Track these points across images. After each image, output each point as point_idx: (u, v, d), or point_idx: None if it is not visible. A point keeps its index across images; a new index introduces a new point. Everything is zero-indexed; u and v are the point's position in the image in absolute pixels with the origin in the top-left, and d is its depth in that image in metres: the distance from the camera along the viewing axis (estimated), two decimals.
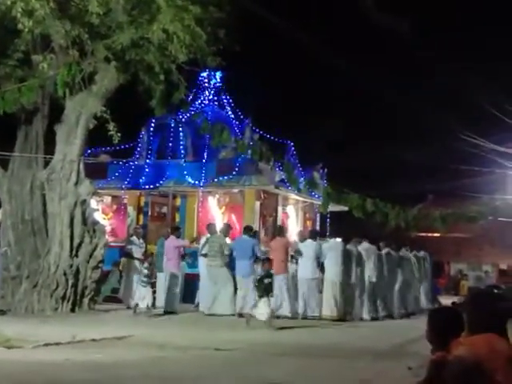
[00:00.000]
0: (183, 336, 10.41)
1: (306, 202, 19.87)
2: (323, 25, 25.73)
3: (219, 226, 15.86)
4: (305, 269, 14.22)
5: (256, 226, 16.00)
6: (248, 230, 14.52)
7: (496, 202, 20.29)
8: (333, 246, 14.91)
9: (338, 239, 16.04)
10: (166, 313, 13.66)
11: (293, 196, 18.91)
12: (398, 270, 16.39)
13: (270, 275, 12.04)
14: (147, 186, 17.97)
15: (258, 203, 17.23)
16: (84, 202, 13.95)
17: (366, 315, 14.79)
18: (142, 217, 18.61)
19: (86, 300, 13.57)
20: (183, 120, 18.07)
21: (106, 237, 14.88)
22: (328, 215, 20.13)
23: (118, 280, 16.19)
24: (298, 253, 14.35)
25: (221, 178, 17.20)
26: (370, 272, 14.98)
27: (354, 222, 19.38)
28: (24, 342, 8.60)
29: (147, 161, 18.34)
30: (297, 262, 14.51)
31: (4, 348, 8.21)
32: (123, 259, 16.23)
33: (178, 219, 18.29)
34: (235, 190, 17.75)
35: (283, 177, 16.98)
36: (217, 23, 13.18)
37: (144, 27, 12.45)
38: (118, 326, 11.31)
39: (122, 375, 6.95)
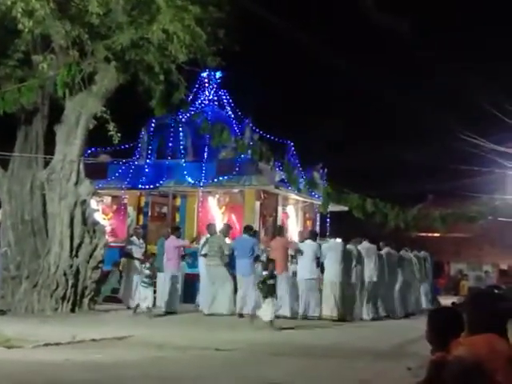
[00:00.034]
0: (183, 336, 10.41)
1: (306, 202, 19.88)
2: (323, 25, 25.74)
3: (219, 226, 15.87)
4: (304, 269, 14.22)
5: (256, 226, 16.00)
6: (248, 229, 14.53)
7: (496, 201, 20.30)
8: (332, 246, 14.91)
9: (338, 239, 16.04)
10: (167, 313, 13.66)
11: (293, 196, 18.92)
12: (398, 270, 16.38)
13: (273, 276, 12.02)
14: (147, 186, 17.98)
15: (258, 203, 17.24)
16: (84, 202, 13.95)
17: (366, 315, 14.79)
18: (142, 217, 18.61)
19: (86, 300, 13.57)
20: (183, 120, 18.07)
21: (106, 237, 14.89)
22: (328, 215, 20.14)
23: (118, 280, 16.19)
24: (299, 252, 14.35)
25: (221, 178, 17.21)
26: (370, 272, 14.97)
27: (354, 222, 19.37)
28: (24, 341, 8.60)
29: (147, 161, 18.35)
30: (297, 262, 14.50)
31: (4, 348, 8.21)
32: (123, 259, 16.23)
33: (178, 219, 18.29)
34: (235, 190, 17.75)
35: (283, 177, 16.99)
36: (217, 23, 13.19)
37: (144, 27, 12.45)
38: (117, 326, 11.31)
39: (121, 375, 6.95)
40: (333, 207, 18.17)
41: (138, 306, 13.65)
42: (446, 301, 15.72)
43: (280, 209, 18.45)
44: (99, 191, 16.21)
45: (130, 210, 18.43)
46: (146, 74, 13.33)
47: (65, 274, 13.24)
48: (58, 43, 12.82)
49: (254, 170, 16.91)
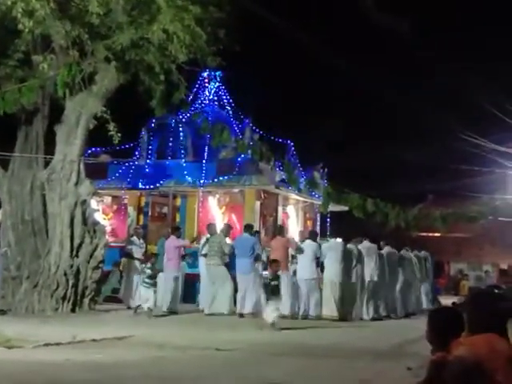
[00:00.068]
0: (183, 336, 10.41)
1: (306, 201, 19.88)
2: (323, 25, 25.74)
3: (219, 226, 15.87)
4: (304, 269, 14.22)
5: (256, 226, 16.00)
6: (249, 228, 14.55)
7: (496, 201, 20.30)
8: (333, 246, 14.92)
9: (339, 239, 16.04)
10: (168, 313, 13.64)
11: (293, 196, 18.92)
12: (399, 270, 16.38)
13: (277, 277, 12.02)
14: (147, 186, 17.98)
15: (258, 203, 17.24)
16: (84, 202, 13.94)
17: (366, 315, 14.79)
18: (142, 217, 18.62)
19: (86, 300, 13.56)
20: (183, 120, 18.09)
21: (107, 237, 14.89)
22: (328, 215, 20.14)
23: (119, 280, 16.20)
24: (300, 250, 14.35)
25: (221, 178, 17.21)
26: (371, 271, 14.95)
27: (354, 222, 19.39)
28: (24, 342, 8.60)
29: (147, 161, 18.36)
30: (297, 262, 14.50)
31: (4, 348, 8.21)
32: (123, 259, 16.24)
33: (178, 219, 18.29)
34: (235, 190, 17.76)
35: (283, 177, 17.00)
36: (217, 23, 13.19)
37: (144, 27, 12.45)
38: (118, 326, 11.31)
39: (122, 375, 6.95)
40: (333, 207, 18.17)
41: (139, 306, 13.64)
42: (447, 301, 15.74)
43: (280, 209, 18.45)
44: (99, 191, 16.20)
45: (131, 210, 18.44)
46: (147, 74, 13.33)
47: (65, 274, 13.24)
48: (58, 43, 12.81)
49: (255, 170, 16.92)
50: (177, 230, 15.00)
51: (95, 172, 15.83)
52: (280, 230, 15.44)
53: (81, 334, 9.43)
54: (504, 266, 35.39)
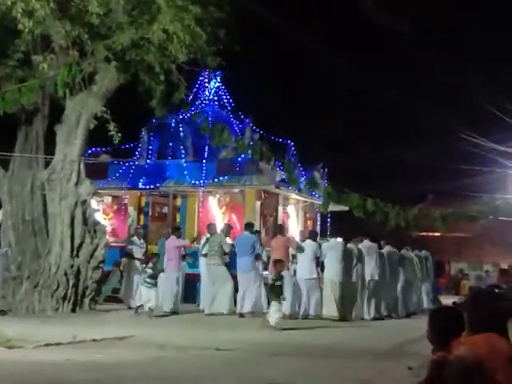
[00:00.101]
0: (184, 336, 10.42)
1: (306, 201, 19.88)
2: (323, 25, 25.73)
3: (220, 226, 15.88)
4: (303, 269, 14.22)
5: (257, 226, 16.00)
6: (249, 226, 14.57)
7: (496, 201, 20.32)
8: (333, 246, 14.92)
9: (339, 239, 16.03)
10: (169, 313, 13.63)
11: (293, 196, 18.92)
12: (399, 270, 16.37)
13: (281, 278, 12.01)
14: (148, 186, 17.98)
15: (258, 203, 17.24)
16: (84, 202, 13.95)
17: (366, 315, 14.78)
18: (142, 217, 18.61)
19: (86, 300, 13.57)
20: (183, 120, 18.08)
21: (107, 237, 14.89)
22: (328, 215, 20.14)
23: (119, 280, 16.19)
24: (300, 249, 14.34)
25: (221, 178, 17.21)
26: (371, 270, 14.94)
27: (355, 222, 19.39)
28: (25, 342, 8.60)
29: (148, 161, 18.36)
30: (297, 262, 14.49)
31: (5, 348, 8.22)
32: (124, 259, 16.23)
33: (178, 219, 18.28)
34: (236, 190, 17.75)
35: (284, 177, 17.00)
36: (217, 23, 13.19)
37: (144, 27, 12.45)
38: (118, 326, 11.31)
39: (122, 375, 6.95)
40: (333, 207, 18.17)
41: (140, 306, 13.63)
42: (447, 300, 15.74)
43: (280, 209, 18.45)
44: (100, 191, 16.21)
45: (131, 210, 18.44)
46: (147, 74, 13.34)
47: (65, 274, 13.24)
48: (58, 43, 12.82)
49: (255, 170, 16.91)
50: (177, 230, 15.00)
51: (95, 172, 15.84)
52: (280, 230, 15.44)
53: (81, 334, 9.43)
54: (504, 266, 35.36)
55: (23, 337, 8.94)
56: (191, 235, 16.67)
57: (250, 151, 16.26)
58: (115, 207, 19.52)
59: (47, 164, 14.07)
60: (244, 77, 20.34)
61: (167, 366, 7.78)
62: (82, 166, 13.95)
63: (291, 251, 14.51)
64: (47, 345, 8.59)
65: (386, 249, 16.06)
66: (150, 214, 18.79)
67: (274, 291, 11.76)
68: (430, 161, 26.93)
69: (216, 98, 19.44)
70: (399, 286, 16.21)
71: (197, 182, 17.31)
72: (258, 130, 17.60)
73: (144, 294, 13.57)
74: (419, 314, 15.97)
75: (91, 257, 13.68)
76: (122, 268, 16.37)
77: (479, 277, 32.37)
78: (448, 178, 25.10)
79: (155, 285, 13.59)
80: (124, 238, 17.65)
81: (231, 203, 18.22)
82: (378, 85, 22.77)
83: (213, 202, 18.16)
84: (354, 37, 28.80)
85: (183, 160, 17.89)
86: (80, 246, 13.60)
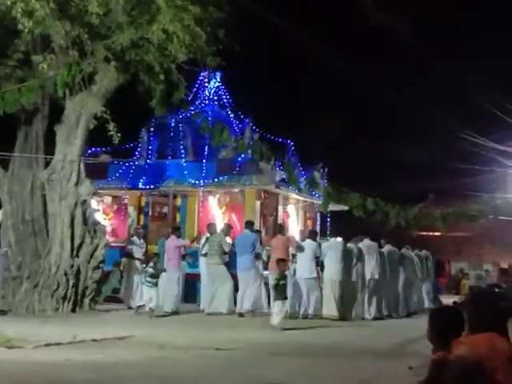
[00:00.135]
0: (184, 336, 10.42)
1: (306, 201, 19.88)
2: (323, 25, 25.74)
3: (220, 225, 15.88)
4: (303, 268, 14.22)
5: (257, 226, 16.00)
6: (249, 224, 14.59)
7: (496, 200, 20.33)
8: (333, 245, 14.91)
9: (339, 238, 16.03)
10: (171, 313, 13.61)
11: (293, 195, 18.92)
12: (400, 269, 16.36)
13: (284, 277, 12.01)
14: (148, 186, 17.98)
15: (258, 203, 17.24)
16: (84, 202, 13.95)
17: (367, 314, 14.78)
18: (142, 217, 18.61)
19: (86, 300, 13.57)
20: (183, 120, 18.07)
21: (107, 237, 14.89)
22: (328, 214, 20.14)
23: (119, 280, 16.19)
24: (300, 248, 14.34)
25: (221, 178, 17.21)
26: (372, 269, 14.92)
27: (355, 222, 19.39)
28: (25, 342, 8.60)
29: (147, 161, 18.35)
30: (297, 262, 14.49)
31: (5, 348, 8.22)
32: (124, 259, 16.23)
33: (178, 219, 18.28)
34: (236, 190, 17.75)
35: (284, 176, 17.00)
36: (216, 23, 13.19)
37: (144, 27, 12.45)
38: (118, 326, 11.31)
39: (123, 375, 6.95)
40: (333, 206, 18.18)
41: (141, 306, 13.62)
42: (448, 300, 15.74)
43: (280, 208, 18.45)
44: (100, 191, 16.21)
45: (131, 209, 18.44)
46: (146, 74, 13.33)
47: (65, 274, 13.24)
48: (57, 43, 12.82)
49: (255, 170, 16.91)
50: (177, 230, 15.00)
51: (95, 172, 15.83)
52: (280, 229, 15.44)
53: (81, 334, 9.43)
54: (504, 265, 35.37)
55: (23, 337, 8.94)
56: (191, 235, 16.67)
57: (249, 151, 16.27)
58: (115, 207, 19.52)
59: (47, 164, 14.07)
60: (244, 77, 20.35)
61: (167, 365, 7.77)
62: (81, 166, 13.95)
63: (291, 250, 14.50)
64: (47, 345, 8.58)
65: (387, 248, 16.05)
66: (150, 213, 18.79)
67: (279, 290, 11.76)
68: (430, 160, 26.95)
69: (216, 98, 19.43)
70: (400, 286, 16.20)
71: (197, 182, 17.31)
72: (257, 129, 17.59)
73: (145, 294, 13.58)
74: (420, 314, 15.96)
75: (91, 257, 13.68)
76: (121, 268, 16.38)
77: (479, 276, 32.36)
78: (448, 178, 25.13)
79: (156, 284, 13.60)
80: (124, 237, 17.65)
81: (231, 203, 18.22)
82: (378, 84, 22.79)
83: (213, 201, 18.16)
84: (354, 37, 28.82)
85: (183, 160, 17.89)
86: (80, 245, 13.60)
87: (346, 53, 21.89)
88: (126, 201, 18.79)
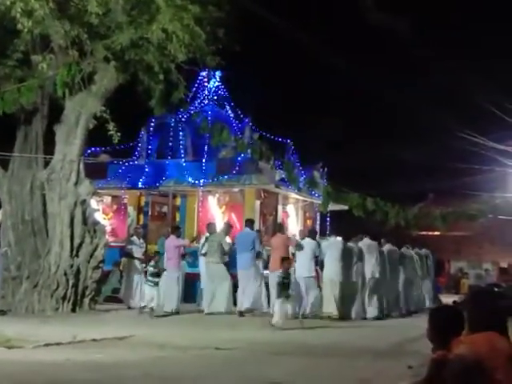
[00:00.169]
0: (183, 336, 10.41)
1: (306, 201, 19.88)
2: (323, 25, 25.73)
3: (219, 225, 15.88)
4: (302, 267, 14.21)
5: (256, 225, 16.00)
6: (250, 222, 14.60)
7: (496, 200, 20.33)
8: (332, 244, 14.90)
9: (339, 238, 16.03)
10: (170, 313, 13.61)
11: (293, 195, 18.92)
12: (400, 268, 16.36)
13: (288, 275, 12.00)
14: (147, 186, 17.98)
15: (258, 202, 17.24)
16: (84, 201, 13.95)
17: (367, 313, 14.76)
18: (142, 216, 18.62)
19: (86, 300, 13.57)
20: (183, 119, 18.08)
21: (107, 237, 14.89)
22: (328, 214, 20.15)
23: (119, 280, 16.20)
24: (299, 247, 14.34)
25: (221, 178, 17.21)
26: (372, 268, 14.90)
27: (354, 221, 19.37)
28: (24, 342, 8.60)
29: (147, 160, 18.35)
30: (296, 260, 14.48)
31: (4, 348, 8.21)
32: (124, 259, 16.24)
33: (178, 219, 18.30)
34: (235, 189, 17.76)
35: (283, 176, 17.00)
36: (216, 23, 13.19)
37: (143, 27, 12.45)
38: (118, 326, 11.31)
39: (122, 375, 6.95)
40: (333, 206, 18.18)
41: (144, 307, 13.61)
42: (447, 299, 15.75)
43: (280, 208, 18.45)
44: (99, 191, 16.21)
45: (130, 209, 18.44)
46: (146, 74, 13.33)
47: (65, 274, 13.24)
48: (57, 43, 12.82)
49: (254, 169, 16.92)
50: (177, 230, 15.01)
51: (95, 172, 15.83)
52: (280, 228, 15.43)
53: (81, 333, 9.43)
54: (504, 265, 35.40)
55: (23, 337, 8.93)
56: (191, 235, 16.67)
57: (249, 150, 16.27)
58: (115, 207, 19.52)
59: (47, 164, 14.07)
60: (243, 76, 20.36)
61: (167, 365, 7.77)
62: (81, 166, 13.95)
63: (291, 249, 14.50)
64: (47, 345, 8.58)
65: (387, 247, 16.05)
66: (150, 213, 18.79)
67: (283, 288, 11.76)
68: (430, 160, 26.94)
69: (215, 98, 19.44)
70: (400, 284, 16.19)
71: (196, 182, 17.31)
72: (257, 129, 17.60)
73: (147, 293, 13.59)
74: (420, 313, 15.95)
75: (91, 257, 13.68)
76: (121, 268, 16.38)
77: (479, 275, 32.33)
78: (448, 177, 25.13)
79: (157, 284, 13.60)
80: (124, 237, 17.65)
81: (231, 202, 18.22)
82: (378, 84, 22.78)
83: (212, 201, 18.16)
84: (353, 37, 28.82)
85: (183, 159, 17.90)
86: (80, 245, 13.60)
87: (346, 53, 21.89)
88: (125, 200, 18.79)
